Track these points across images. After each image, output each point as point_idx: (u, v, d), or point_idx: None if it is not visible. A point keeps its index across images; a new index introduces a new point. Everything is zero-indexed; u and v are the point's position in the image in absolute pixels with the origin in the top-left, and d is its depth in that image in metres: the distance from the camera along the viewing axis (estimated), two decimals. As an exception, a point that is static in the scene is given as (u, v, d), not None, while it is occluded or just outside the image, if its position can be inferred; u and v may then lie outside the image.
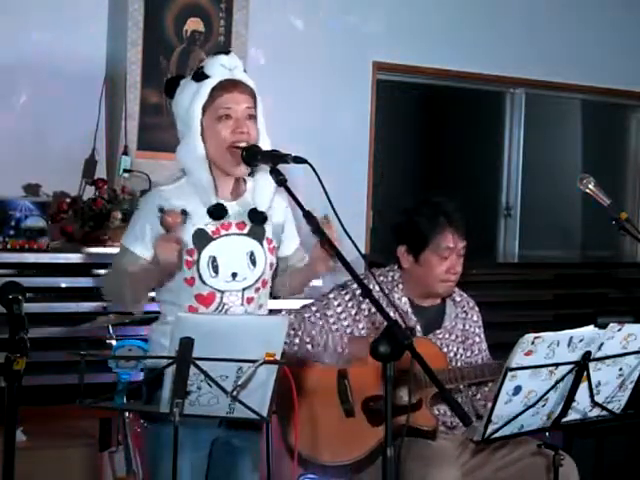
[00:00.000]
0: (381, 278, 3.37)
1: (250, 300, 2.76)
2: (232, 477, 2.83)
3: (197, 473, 2.74)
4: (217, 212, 2.71)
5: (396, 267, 3.40)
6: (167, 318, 2.75)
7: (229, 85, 2.72)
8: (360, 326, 3.28)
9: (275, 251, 2.84)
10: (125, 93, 4.49)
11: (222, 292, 2.72)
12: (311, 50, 5.19)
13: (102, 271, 4.08)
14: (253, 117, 2.74)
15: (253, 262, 2.76)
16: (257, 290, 2.78)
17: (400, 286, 3.36)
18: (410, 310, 3.33)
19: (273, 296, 2.97)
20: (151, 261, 2.67)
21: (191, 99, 2.72)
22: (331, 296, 3.32)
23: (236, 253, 2.74)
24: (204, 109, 2.71)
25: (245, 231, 2.77)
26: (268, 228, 2.81)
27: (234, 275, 2.73)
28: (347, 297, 3.29)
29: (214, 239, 2.72)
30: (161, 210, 2.64)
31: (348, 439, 3.17)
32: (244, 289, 2.75)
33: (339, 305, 3.29)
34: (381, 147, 5.54)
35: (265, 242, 2.79)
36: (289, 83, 5.08)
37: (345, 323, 3.28)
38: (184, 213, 2.66)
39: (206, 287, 2.70)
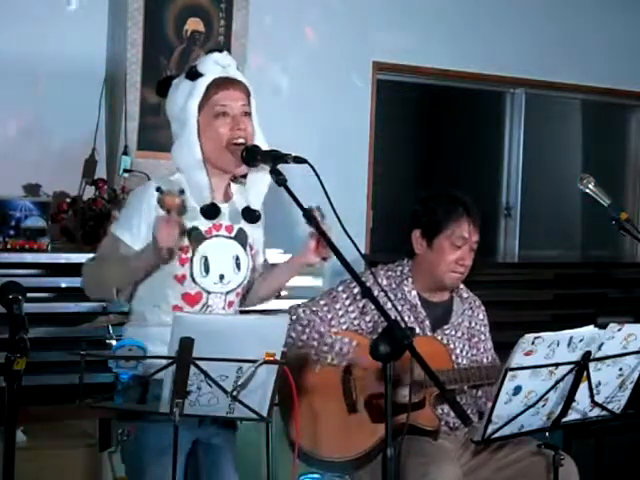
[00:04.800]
0: (389, 273, 3.40)
1: (231, 304, 2.78)
2: (215, 476, 2.81)
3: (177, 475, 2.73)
4: (210, 212, 2.71)
5: (405, 261, 3.42)
6: (148, 319, 2.73)
7: (224, 82, 2.72)
8: (367, 319, 3.30)
9: (255, 257, 2.86)
10: (125, 93, 4.49)
11: (209, 293, 2.73)
12: (311, 50, 5.19)
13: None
14: (248, 114, 2.75)
15: (238, 266, 2.78)
16: (237, 295, 2.80)
17: (409, 279, 3.37)
18: (419, 303, 3.35)
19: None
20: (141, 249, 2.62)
21: (186, 98, 2.72)
22: (340, 289, 3.34)
23: (224, 255, 2.75)
24: (200, 107, 2.71)
25: (232, 234, 2.78)
26: (250, 233, 2.82)
27: (221, 277, 2.73)
28: (355, 290, 3.30)
29: (207, 238, 2.73)
30: (159, 190, 2.58)
31: (349, 435, 3.17)
32: (227, 292, 2.76)
33: (347, 298, 3.31)
34: (381, 147, 5.54)
35: (248, 247, 2.81)
36: (289, 83, 5.08)
37: (352, 316, 3.30)
38: (182, 192, 2.63)
39: (195, 286, 2.71)
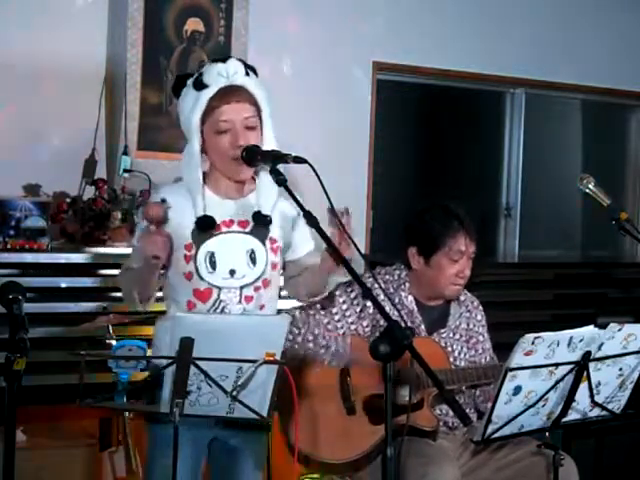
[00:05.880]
0: (387, 277, 3.40)
1: (249, 299, 2.76)
2: (231, 477, 2.83)
3: (193, 473, 2.74)
4: (202, 224, 2.72)
5: (402, 266, 3.42)
6: (170, 314, 2.75)
7: (227, 94, 2.71)
8: (364, 324, 3.30)
9: (279, 252, 2.83)
10: (125, 93, 4.49)
11: (219, 288, 2.73)
12: (311, 50, 5.19)
13: (103, 271, 4.12)
14: (251, 128, 2.73)
15: (253, 260, 2.76)
16: (257, 289, 2.77)
17: (407, 284, 3.37)
18: (416, 309, 3.35)
19: (289, 297, 3.00)
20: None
21: (190, 109, 2.72)
22: (337, 293, 3.34)
23: (236, 250, 2.75)
24: (203, 120, 2.72)
25: (247, 229, 2.77)
26: (273, 228, 2.80)
27: (232, 272, 2.73)
28: (352, 295, 3.30)
29: (214, 235, 2.73)
30: (163, 201, 2.65)
31: (349, 437, 3.17)
32: (242, 287, 2.75)
33: (344, 302, 3.31)
34: (381, 147, 5.54)
35: (267, 241, 2.79)
36: (289, 83, 5.08)
37: (350, 320, 3.30)
38: (163, 201, 2.66)
39: (203, 282, 2.72)
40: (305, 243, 2.93)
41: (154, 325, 2.87)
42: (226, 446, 2.81)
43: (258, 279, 2.77)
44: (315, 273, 2.86)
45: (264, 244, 2.79)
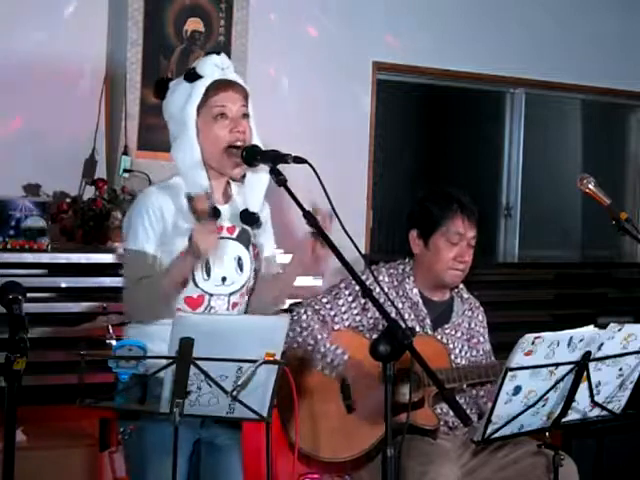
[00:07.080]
0: (391, 271, 3.41)
1: (235, 305, 2.77)
2: (218, 476, 2.81)
3: (179, 475, 2.72)
4: (211, 215, 2.70)
5: (407, 260, 3.43)
6: (139, 321, 2.71)
7: (223, 84, 2.72)
8: (369, 315, 3.31)
9: (259, 257, 2.84)
10: (125, 93, 4.49)
11: (211, 295, 2.72)
12: (311, 50, 5.19)
13: (103, 271, 4.12)
14: (247, 116, 2.75)
15: (240, 267, 2.76)
16: (242, 296, 2.78)
17: (411, 277, 3.39)
18: (421, 301, 3.35)
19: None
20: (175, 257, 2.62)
21: (185, 100, 2.71)
22: (342, 285, 3.35)
23: (226, 257, 2.73)
24: (198, 109, 2.70)
25: (234, 235, 2.77)
26: (253, 233, 2.80)
27: (223, 279, 2.72)
28: (357, 287, 3.29)
29: None
30: (188, 197, 2.62)
31: (349, 436, 3.18)
32: (231, 294, 2.75)
33: (350, 294, 3.32)
34: (381, 147, 5.54)
35: (251, 247, 2.80)
36: (289, 83, 5.08)
37: (355, 312, 3.32)
38: (208, 195, 2.65)
39: (197, 290, 2.70)
40: (268, 245, 2.90)
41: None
42: (212, 446, 2.79)
43: (244, 286, 2.78)
44: (271, 282, 2.83)
45: (248, 250, 2.79)
